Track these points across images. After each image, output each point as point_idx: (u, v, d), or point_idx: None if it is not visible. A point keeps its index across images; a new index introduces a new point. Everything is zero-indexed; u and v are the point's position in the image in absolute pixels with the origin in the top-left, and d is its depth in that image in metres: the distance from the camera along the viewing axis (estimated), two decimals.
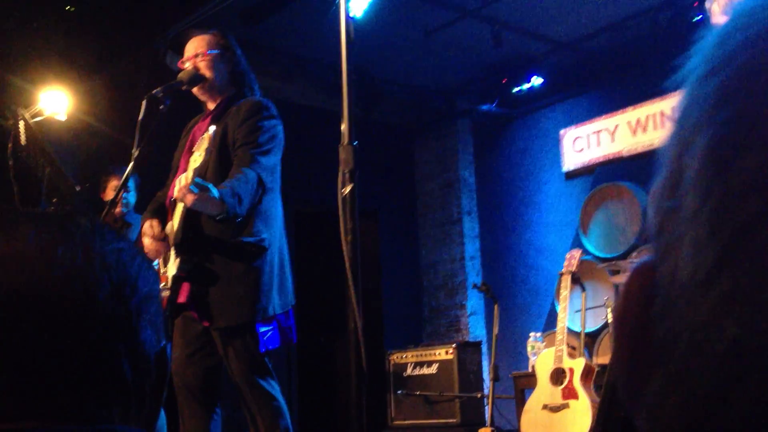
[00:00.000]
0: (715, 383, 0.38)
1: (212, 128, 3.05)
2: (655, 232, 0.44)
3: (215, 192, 3.02)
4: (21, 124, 4.19)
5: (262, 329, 3.31)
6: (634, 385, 0.44)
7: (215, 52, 3.52)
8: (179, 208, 3.27)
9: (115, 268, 0.79)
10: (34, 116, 4.68)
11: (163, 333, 0.85)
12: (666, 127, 0.46)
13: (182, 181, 3.02)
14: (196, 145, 3.11)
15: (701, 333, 0.38)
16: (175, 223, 3.33)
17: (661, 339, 0.41)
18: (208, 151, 3.03)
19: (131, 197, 5.60)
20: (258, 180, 3.25)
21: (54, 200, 4.21)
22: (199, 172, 3.07)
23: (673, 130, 0.44)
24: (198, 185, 2.99)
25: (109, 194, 5.66)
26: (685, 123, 0.42)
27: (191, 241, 3.33)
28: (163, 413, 4.41)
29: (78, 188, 4.53)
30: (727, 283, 0.38)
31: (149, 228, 3.40)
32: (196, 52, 3.51)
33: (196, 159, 3.07)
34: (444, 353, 5.99)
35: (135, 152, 3.25)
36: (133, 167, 3.32)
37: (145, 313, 0.80)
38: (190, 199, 3.02)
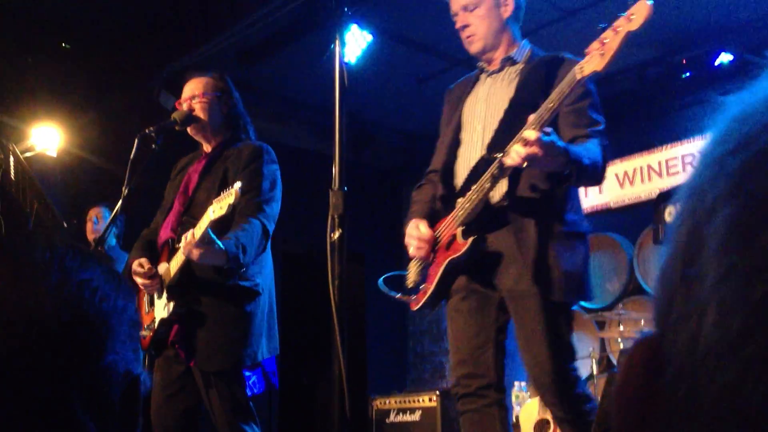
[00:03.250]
0: None
1: (238, 184, 3.01)
2: (664, 302, 0.45)
3: (220, 245, 3.02)
4: (11, 159, 4.20)
5: (247, 373, 3.28)
6: None
7: (211, 94, 3.54)
8: (180, 254, 3.25)
9: (72, 305, 0.74)
10: (25, 152, 4.69)
11: (136, 364, 0.80)
12: (675, 206, 0.47)
13: (188, 237, 3.02)
14: (217, 198, 3.05)
15: (730, 396, 0.39)
16: (172, 266, 3.31)
17: (677, 406, 0.42)
18: (230, 207, 2.99)
19: (111, 235, 5.57)
20: (263, 230, 3.25)
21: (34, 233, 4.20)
22: (213, 225, 3.06)
23: (687, 203, 0.45)
24: (204, 239, 2.99)
25: (87, 225, 5.68)
26: (704, 195, 0.44)
27: (186, 284, 3.31)
28: None
29: (65, 224, 4.52)
30: (756, 345, 0.38)
31: (139, 267, 3.38)
32: (192, 94, 3.54)
33: (216, 211, 3.02)
34: (427, 400, 5.94)
35: (125, 190, 3.25)
36: (122, 205, 3.32)
37: (108, 351, 0.76)
38: (196, 254, 3.03)
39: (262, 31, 5.68)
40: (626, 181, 6.71)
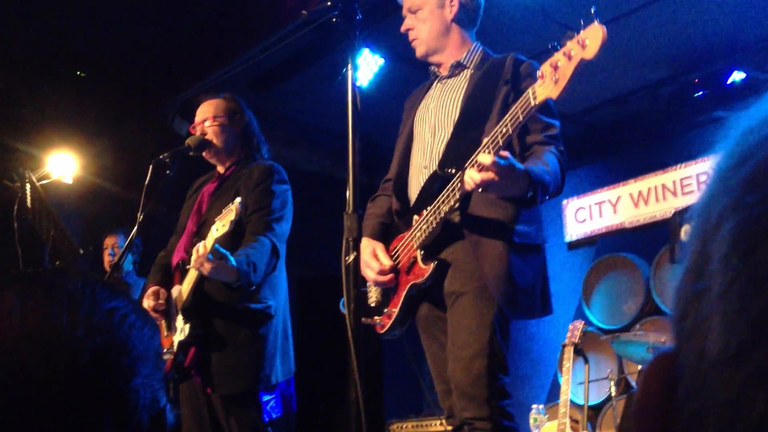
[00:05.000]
0: None
1: (238, 200, 3.01)
2: (678, 317, 0.45)
3: (232, 261, 3.02)
4: (27, 186, 4.23)
5: (265, 398, 3.27)
6: None
7: (223, 116, 3.57)
8: (192, 273, 3.25)
9: (102, 330, 0.78)
10: (41, 179, 4.72)
11: (162, 393, 0.84)
12: (688, 226, 0.47)
13: (200, 249, 3.03)
14: (219, 215, 3.06)
15: (732, 408, 0.39)
16: (185, 288, 3.32)
17: (687, 421, 0.41)
18: (232, 223, 2.99)
19: (127, 261, 5.59)
20: (272, 248, 3.26)
21: (56, 263, 4.22)
22: (219, 241, 3.07)
23: (696, 223, 0.46)
24: (215, 253, 3.00)
25: (104, 254, 5.69)
26: (709, 214, 0.44)
27: (200, 306, 3.31)
28: None
29: (81, 251, 4.54)
30: (758, 357, 0.38)
31: (153, 296, 3.39)
32: (205, 117, 3.57)
33: (219, 229, 3.03)
34: (444, 424, 5.90)
35: (140, 216, 3.26)
36: (138, 231, 3.33)
37: (136, 376, 0.80)
38: (207, 268, 3.03)
39: (275, 57, 5.72)
40: (641, 201, 6.68)
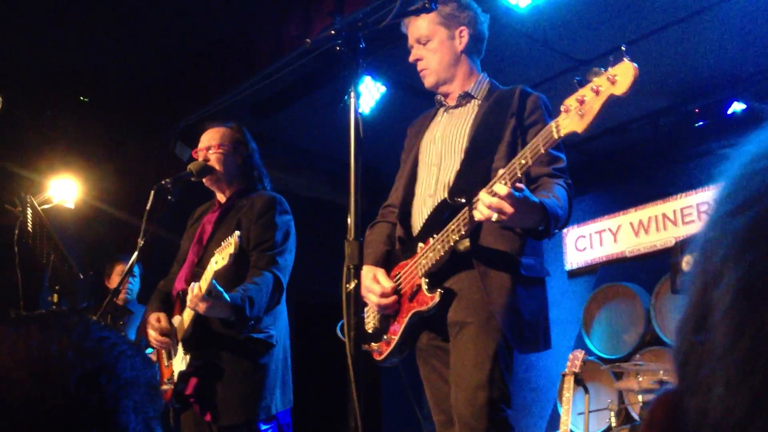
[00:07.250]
0: None
1: (237, 233, 2.99)
2: (681, 362, 0.43)
3: (227, 297, 3.02)
4: (29, 211, 4.23)
5: (263, 428, 3.24)
6: None
7: (228, 145, 3.57)
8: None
9: (92, 355, 0.81)
10: (42, 203, 4.72)
11: (157, 423, 0.84)
12: (690, 257, 0.46)
13: (195, 289, 3.03)
14: (219, 248, 3.04)
15: None
16: (185, 318, 3.30)
17: None
18: (232, 257, 2.97)
19: (135, 285, 5.58)
20: (275, 282, 3.25)
21: (56, 288, 4.21)
22: (218, 274, 3.06)
23: (697, 260, 0.44)
24: (212, 292, 2.99)
25: (114, 280, 5.65)
26: (711, 255, 0.42)
27: (200, 336, 3.30)
28: None
29: (81, 276, 4.53)
30: (760, 427, 0.37)
31: (156, 321, 3.37)
32: (209, 144, 3.56)
33: (218, 262, 3.02)
34: None
35: (141, 241, 3.26)
36: (138, 256, 3.33)
37: (126, 398, 0.80)
38: (202, 307, 3.03)
39: (277, 84, 5.75)
40: (641, 230, 6.68)
